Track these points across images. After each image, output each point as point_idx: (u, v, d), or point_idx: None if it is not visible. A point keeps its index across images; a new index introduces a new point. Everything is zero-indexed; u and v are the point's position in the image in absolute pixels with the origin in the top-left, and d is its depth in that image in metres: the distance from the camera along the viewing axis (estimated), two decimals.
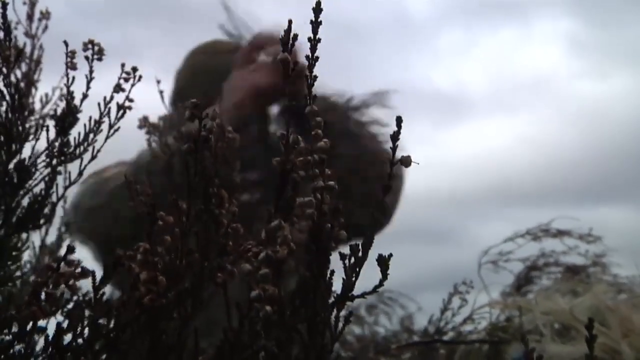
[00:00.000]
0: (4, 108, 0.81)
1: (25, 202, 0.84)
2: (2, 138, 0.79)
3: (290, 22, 0.51)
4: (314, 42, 0.55)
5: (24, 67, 1.09)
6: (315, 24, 0.55)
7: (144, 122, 1.27)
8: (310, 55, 0.55)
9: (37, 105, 1.16)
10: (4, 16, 0.78)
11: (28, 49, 1.10)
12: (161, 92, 1.30)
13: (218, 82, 1.59)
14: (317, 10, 0.55)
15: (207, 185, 0.55)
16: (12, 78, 0.80)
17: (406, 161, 0.48)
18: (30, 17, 1.08)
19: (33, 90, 1.10)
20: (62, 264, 0.53)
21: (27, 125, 0.84)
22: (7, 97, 0.80)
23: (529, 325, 1.23)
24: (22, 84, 0.87)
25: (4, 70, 0.79)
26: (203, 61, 1.66)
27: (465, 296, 1.60)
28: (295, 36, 0.52)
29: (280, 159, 0.50)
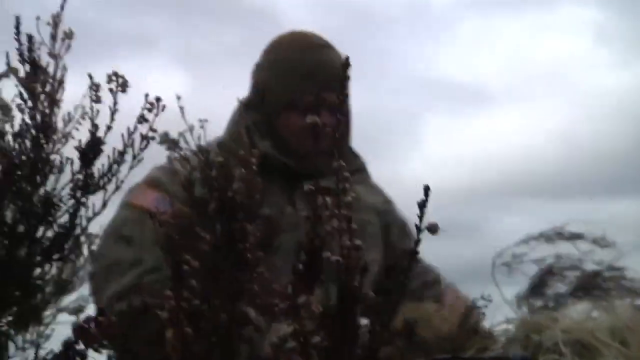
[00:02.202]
0: (29, 141, 0.81)
1: (50, 233, 0.84)
2: (27, 171, 0.80)
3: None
4: (341, 97, 0.55)
5: (47, 87, 1.09)
6: (344, 79, 0.54)
7: (165, 139, 1.27)
8: (338, 113, 0.55)
9: (60, 124, 1.16)
10: (30, 50, 0.78)
11: (51, 69, 1.10)
12: (181, 108, 1.29)
13: (304, 81, 1.55)
14: (346, 65, 0.54)
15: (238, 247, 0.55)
16: (38, 113, 0.81)
17: (433, 229, 0.48)
18: (54, 37, 1.08)
19: (56, 109, 1.10)
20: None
21: (51, 158, 0.84)
22: (33, 130, 0.81)
23: (549, 342, 1.23)
24: (46, 115, 0.87)
25: (30, 103, 0.80)
26: (284, 57, 1.60)
27: (484, 310, 1.59)
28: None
29: (308, 233, 0.50)
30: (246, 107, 1.63)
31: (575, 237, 2.35)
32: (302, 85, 1.54)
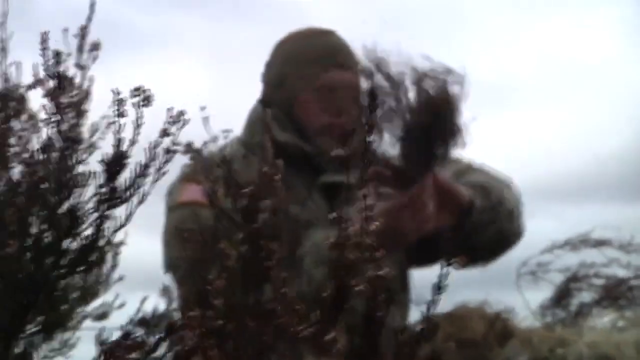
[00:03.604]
0: (55, 154, 0.82)
1: (74, 245, 0.85)
2: (53, 184, 0.81)
3: None
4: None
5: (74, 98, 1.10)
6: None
7: (189, 149, 1.27)
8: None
9: (86, 134, 1.17)
10: (57, 64, 0.79)
11: (78, 79, 1.11)
12: (204, 119, 1.29)
13: (316, 63, 1.59)
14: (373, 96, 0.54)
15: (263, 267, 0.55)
16: (64, 126, 0.81)
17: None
18: (80, 48, 1.09)
19: (82, 120, 1.11)
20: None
21: (77, 170, 0.85)
22: (58, 144, 0.81)
23: (573, 357, 1.21)
24: (72, 127, 0.88)
25: (57, 117, 0.80)
26: (293, 47, 1.66)
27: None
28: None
29: (333, 261, 0.50)
30: (263, 105, 1.65)
31: (601, 243, 2.33)
32: (314, 68, 1.58)
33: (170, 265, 1.35)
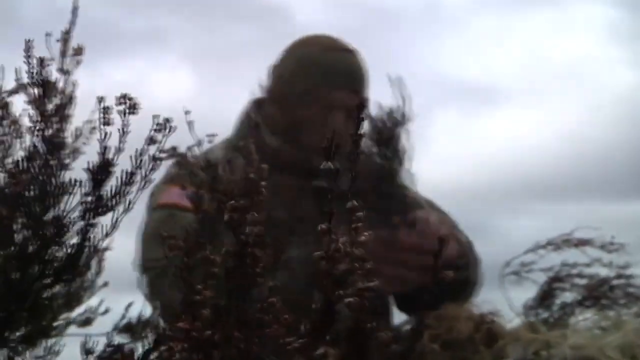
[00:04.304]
0: (39, 163, 0.81)
1: (60, 254, 0.84)
2: (37, 193, 0.80)
3: None
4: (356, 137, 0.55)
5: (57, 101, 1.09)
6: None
7: (173, 153, 1.26)
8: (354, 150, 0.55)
9: (69, 139, 1.16)
10: (41, 73, 0.78)
11: (61, 84, 1.10)
12: (189, 123, 1.29)
13: (327, 79, 1.57)
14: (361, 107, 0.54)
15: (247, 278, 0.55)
16: (48, 132, 0.80)
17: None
18: (63, 53, 1.08)
19: (65, 124, 1.10)
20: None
21: (61, 175, 0.84)
22: (43, 152, 0.81)
23: (557, 359, 1.22)
24: (56, 134, 0.87)
25: (41, 125, 0.80)
26: (313, 54, 1.62)
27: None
28: None
29: (321, 273, 0.49)
30: (259, 103, 1.64)
31: (583, 243, 2.34)
32: (330, 82, 1.56)
33: (144, 266, 1.35)
